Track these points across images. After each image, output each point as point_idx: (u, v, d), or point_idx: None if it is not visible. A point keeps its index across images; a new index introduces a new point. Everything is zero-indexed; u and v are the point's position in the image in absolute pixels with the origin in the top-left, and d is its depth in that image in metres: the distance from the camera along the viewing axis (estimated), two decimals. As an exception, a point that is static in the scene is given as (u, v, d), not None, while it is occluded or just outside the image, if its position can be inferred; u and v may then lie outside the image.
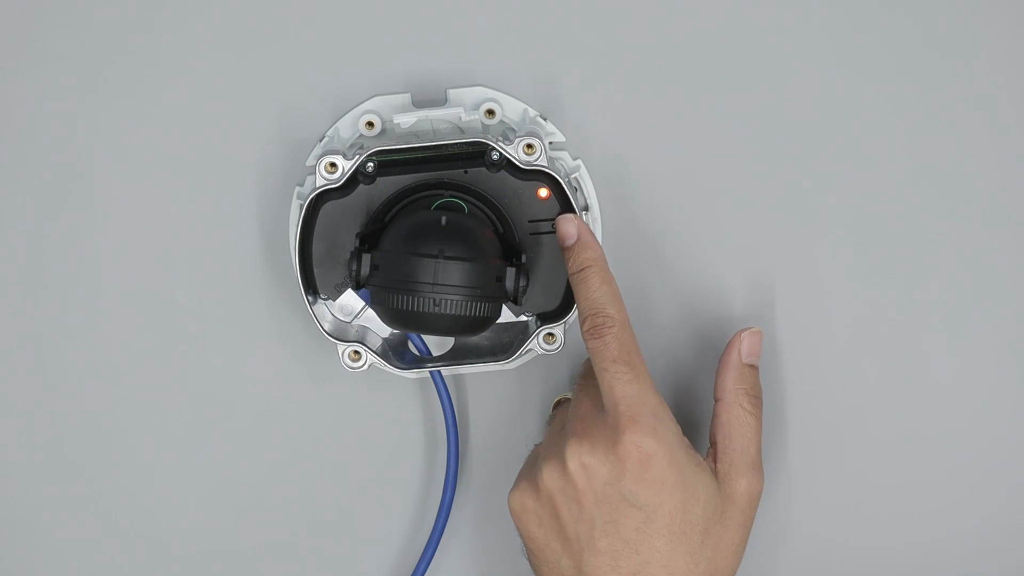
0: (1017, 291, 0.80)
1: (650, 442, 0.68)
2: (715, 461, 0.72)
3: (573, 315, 0.76)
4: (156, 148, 0.79)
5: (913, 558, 0.82)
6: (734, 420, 0.72)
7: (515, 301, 0.73)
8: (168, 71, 0.79)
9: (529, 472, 0.72)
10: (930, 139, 0.80)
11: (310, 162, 0.77)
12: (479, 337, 0.78)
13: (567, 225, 0.73)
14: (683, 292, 0.80)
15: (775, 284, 0.80)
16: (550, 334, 0.76)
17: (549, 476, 0.70)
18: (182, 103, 0.79)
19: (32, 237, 0.80)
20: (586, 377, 0.74)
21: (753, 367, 0.74)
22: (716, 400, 0.74)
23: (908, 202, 0.80)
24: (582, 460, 0.69)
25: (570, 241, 0.73)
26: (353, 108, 0.77)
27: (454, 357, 0.78)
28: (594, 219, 0.78)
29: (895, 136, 0.80)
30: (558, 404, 0.79)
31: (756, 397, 0.73)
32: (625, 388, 0.70)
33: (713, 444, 0.73)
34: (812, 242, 0.80)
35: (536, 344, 0.76)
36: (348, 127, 0.77)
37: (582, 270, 0.72)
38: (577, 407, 0.72)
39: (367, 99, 0.78)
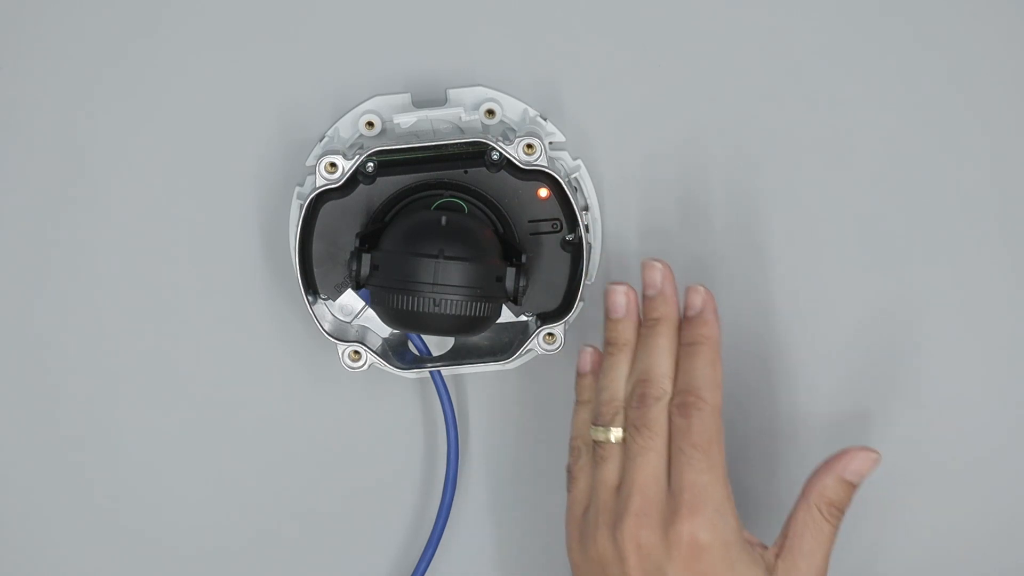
0: (1020, 294, 0.80)
1: (706, 535, 0.68)
2: (777, 556, 0.71)
3: (573, 315, 0.76)
4: (156, 148, 0.79)
5: (915, 559, 0.82)
6: (809, 521, 0.71)
7: (515, 301, 0.73)
8: (168, 71, 0.79)
9: (582, 526, 0.72)
10: (936, 144, 0.80)
11: (310, 162, 0.77)
12: (479, 337, 0.78)
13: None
14: (683, 291, 0.80)
15: (776, 283, 0.80)
16: (550, 334, 0.76)
17: (603, 544, 0.70)
18: (182, 103, 0.79)
19: (32, 237, 0.80)
20: (654, 430, 0.71)
21: (851, 485, 0.72)
22: (801, 495, 0.72)
23: (913, 206, 0.80)
24: (638, 540, 0.69)
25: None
26: (353, 108, 0.78)
27: (454, 357, 0.78)
28: (594, 219, 0.78)
29: (899, 137, 0.80)
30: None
31: (839, 510, 0.72)
32: (696, 476, 0.69)
33: (783, 537, 0.72)
34: (814, 240, 0.80)
35: (536, 344, 0.76)
36: (348, 127, 0.77)
37: (695, 344, 0.71)
38: (640, 473, 0.70)
39: (367, 99, 0.78)
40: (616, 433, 0.72)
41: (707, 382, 0.70)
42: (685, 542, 0.68)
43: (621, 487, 0.71)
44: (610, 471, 0.72)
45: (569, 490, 0.74)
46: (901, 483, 0.81)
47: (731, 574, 0.69)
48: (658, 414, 0.71)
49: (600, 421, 0.72)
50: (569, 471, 0.74)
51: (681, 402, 0.70)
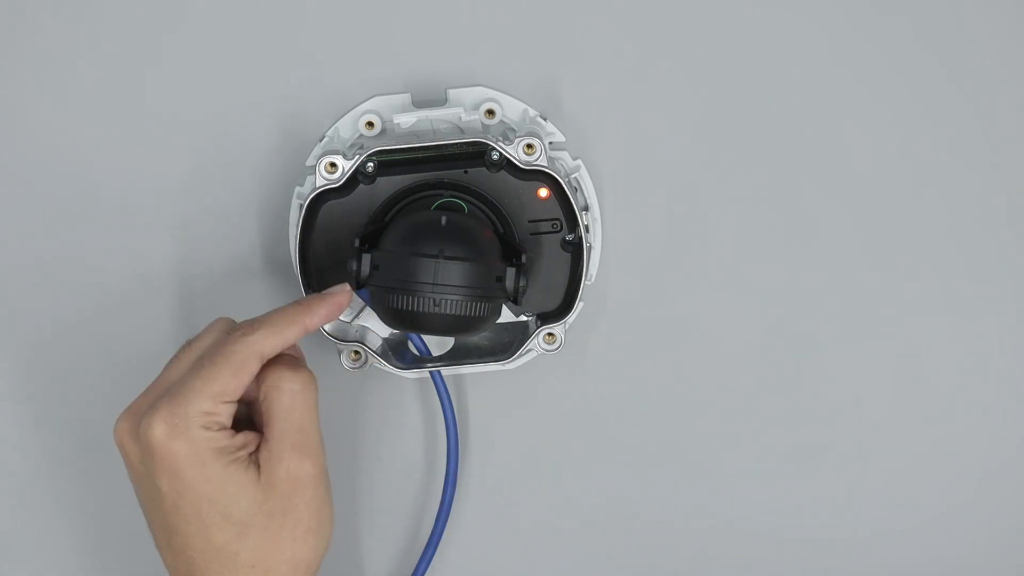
0: (1018, 293, 0.80)
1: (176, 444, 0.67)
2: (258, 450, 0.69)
3: (573, 315, 0.76)
4: (157, 148, 0.79)
5: (914, 560, 0.82)
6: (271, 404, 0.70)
7: (515, 301, 0.73)
8: (169, 71, 0.79)
9: None
10: (937, 144, 0.80)
11: (310, 162, 0.77)
12: (479, 337, 0.78)
13: None
14: (684, 292, 0.80)
15: (775, 283, 0.80)
16: (550, 334, 0.76)
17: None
18: (182, 103, 0.79)
19: (33, 236, 0.80)
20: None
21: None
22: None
23: (913, 206, 0.80)
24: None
25: None
26: (353, 108, 0.78)
27: (454, 357, 0.78)
28: (594, 219, 0.78)
29: (897, 139, 0.80)
30: None
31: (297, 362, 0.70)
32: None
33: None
34: (814, 241, 0.80)
35: (536, 344, 0.76)
36: (348, 127, 0.77)
37: None
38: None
39: (367, 99, 0.78)
40: None
41: None
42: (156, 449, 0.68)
43: None
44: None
45: None
46: (900, 481, 0.82)
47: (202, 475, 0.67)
48: None
49: None
50: None
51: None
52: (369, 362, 0.76)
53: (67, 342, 0.80)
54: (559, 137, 0.78)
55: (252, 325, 0.69)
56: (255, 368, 0.68)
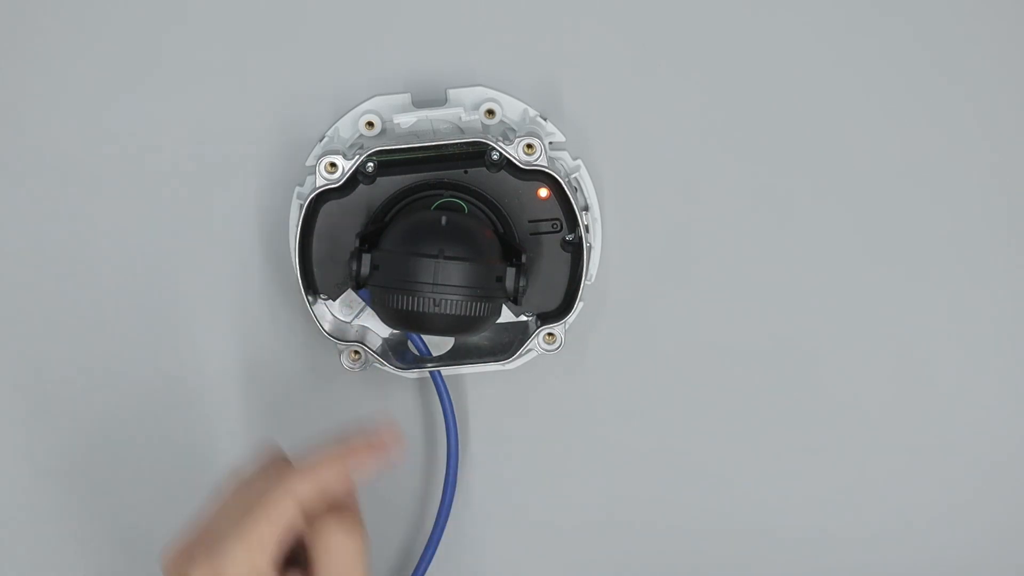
0: (1018, 293, 0.80)
1: None
2: None
3: (573, 315, 0.76)
4: (157, 148, 0.79)
5: (914, 560, 0.82)
6: (333, 547, 0.67)
7: (515, 301, 0.73)
8: (169, 71, 0.79)
9: None
10: (940, 146, 0.80)
11: (310, 162, 0.77)
12: (479, 337, 0.78)
13: None
14: (684, 292, 0.80)
15: (775, 283, 0.80)
16: (550, 334, 0.76)
17: None
18: (182, 103, 0.79)
19: (32, 237, 0.80)
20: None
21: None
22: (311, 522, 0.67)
23: (913, 206, 0.80)
24: None
25: None
26: (353, 108, 0.78)
27: (454, 357, 0.78)
28: (594, 219, 0.78)
29: (897, 139, 0.80)
30: None
31: (356, 515, 0.68)
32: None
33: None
34: (813, 240, 0.80)
35: (536, 344, 0.76)
36: (348, 127, 0.77)
37: None
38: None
39: (367, 99, 0.78)
40: None
41: None
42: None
43: None
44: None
45: None
46: (900, 481, 0.82)
47: None
48: None
49: None
50: None
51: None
52: (369, 362, 0.76)
53: (65, 343, 0.80)
54: (559, 137, 0.78)
55: (291, 466, 0.67)
56: (292, 514, 0.66)
